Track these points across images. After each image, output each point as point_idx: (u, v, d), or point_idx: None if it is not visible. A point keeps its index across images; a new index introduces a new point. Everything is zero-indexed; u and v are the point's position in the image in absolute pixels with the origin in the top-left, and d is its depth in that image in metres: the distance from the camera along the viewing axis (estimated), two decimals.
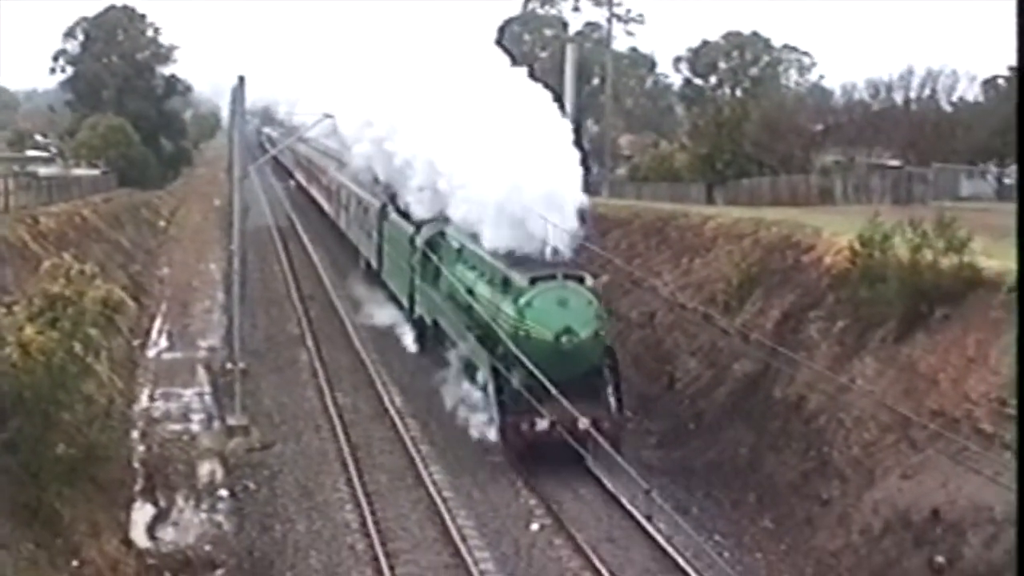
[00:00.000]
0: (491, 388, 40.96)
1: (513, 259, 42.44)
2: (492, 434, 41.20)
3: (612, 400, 40.99)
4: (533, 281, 40.49)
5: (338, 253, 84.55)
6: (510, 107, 45.29)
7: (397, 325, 60.01)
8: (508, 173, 42.24)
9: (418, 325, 56.06)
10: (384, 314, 62.31)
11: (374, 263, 68.54)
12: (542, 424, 38.63)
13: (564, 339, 39.27)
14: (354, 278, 72.53)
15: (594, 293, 41.50)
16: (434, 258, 51.62)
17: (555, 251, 41.41)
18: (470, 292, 45.37)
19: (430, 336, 53.40)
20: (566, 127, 45.54)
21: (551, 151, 43.04)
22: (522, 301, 40.16)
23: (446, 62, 51.79)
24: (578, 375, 39.03)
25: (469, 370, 44.70)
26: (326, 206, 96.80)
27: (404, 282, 58.40)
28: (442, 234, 51.91)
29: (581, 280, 41.21)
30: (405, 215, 58.43)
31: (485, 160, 44.10)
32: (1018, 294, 29.45)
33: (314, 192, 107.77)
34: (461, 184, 46.72)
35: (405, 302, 58.75)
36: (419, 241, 54.46)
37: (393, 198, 62.18)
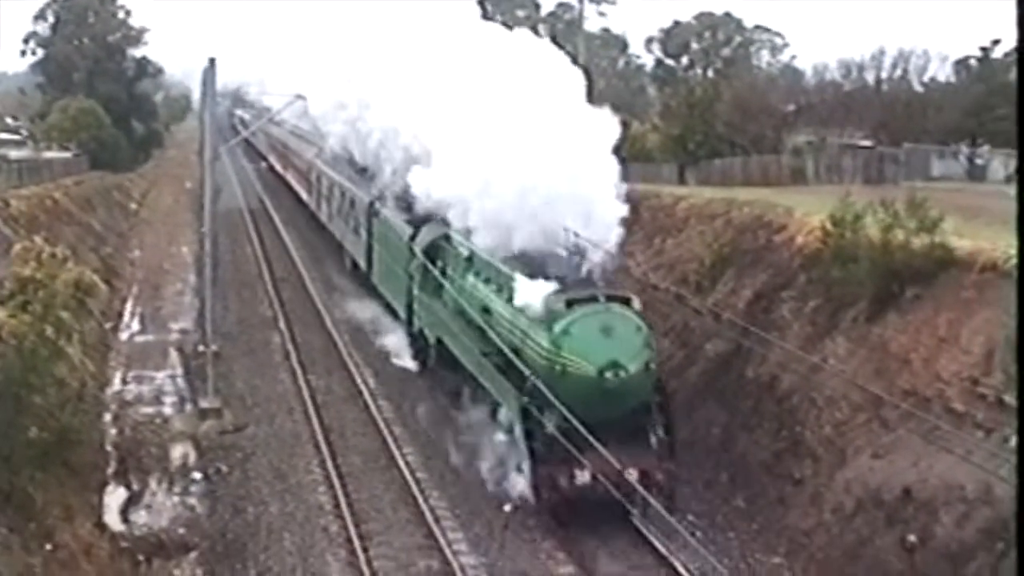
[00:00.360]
0: (519, 432, 33.97)
1: (539, 274, 35.61)
2: (523, 487, 34.68)
3: (657, 443, 34.65)
4: (570, 304, 33.86)
5: (311, 236, 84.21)
6: (512, 80, 39.25)
7: (394, 338, 52.82)
8: (517, 160, 36.08)
9: (418, 341, 48.57)
10: (377, 321, 56.26)
11: (362, 264, 61.89)
12: (583, 476, 32.51)
13: (609, 375, 32.78)
14: (339, 279, 68.80)
15: (641, 318, 34.67)
16: (438, 266, 44.39)
17: (578, 260, 35.72)
18: (485, 310, 38.25)
19: (433, 355, 45.35)
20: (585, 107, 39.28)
21: (572, 131, 36.76)
22: (558, 329, 33.53)
23: (425, 32, 46.98)
24: (623, 415, 33.45)
25: (486, 401, 37.86)
26: (305, 196, 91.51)
27: (400, 290, 50.87)
28: (446, 237, 44.17)
29: (627, 302, 34.73)
30: (400, 212, 51.82)
31: (482, 144, 38.08)
32: (1018, 286, 29.55)
33: (290, 179, 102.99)
34: (448, 173, 40.36)
35: (402, 313, 51.23)
36: (418, 245, 47.02)
37: (384, 192, 54.86)
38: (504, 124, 37.21)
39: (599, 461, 29.79)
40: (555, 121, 36.60)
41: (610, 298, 34.47)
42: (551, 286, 34.80)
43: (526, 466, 34.14)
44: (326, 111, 58.51)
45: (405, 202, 48.52)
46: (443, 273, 43.68)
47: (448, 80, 42.46)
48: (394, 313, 53.70)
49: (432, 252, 45.57)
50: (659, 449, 34.46)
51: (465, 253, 41.56)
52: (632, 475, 31.74)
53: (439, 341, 43.90)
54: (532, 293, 35.12)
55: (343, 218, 68.96)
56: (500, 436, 36.24)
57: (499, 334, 35.99)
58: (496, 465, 36.52)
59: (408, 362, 50.10)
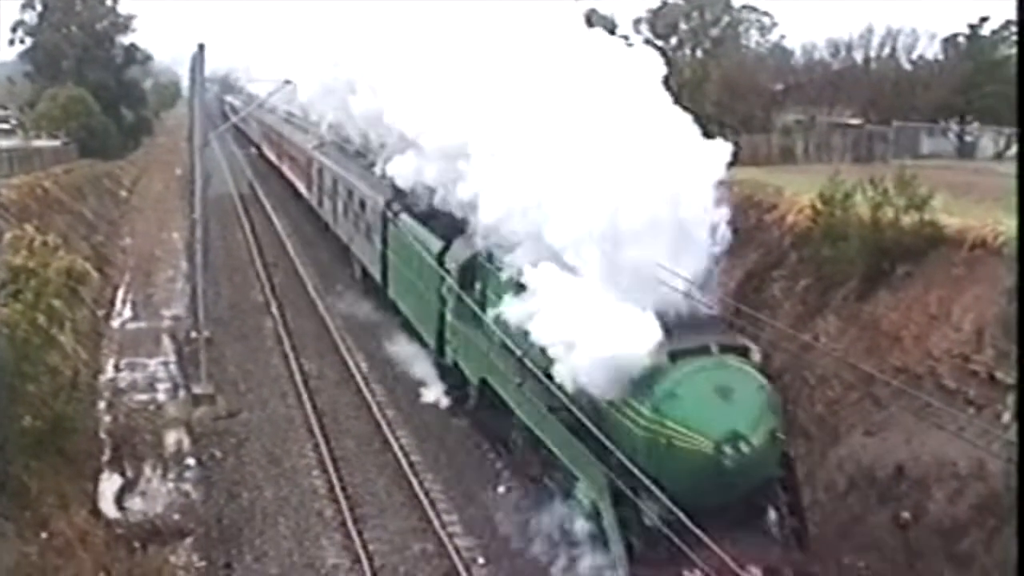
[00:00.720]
0: (610, 521, 26.27)
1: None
2: None
3: (780, 530, 27.35)
4: (674, 357, 26.30)
5: (301, 221, 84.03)
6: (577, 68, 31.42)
7: (416, 362, 46.09)
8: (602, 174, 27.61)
9: (452, 375, 41.16)
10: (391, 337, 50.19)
11: (376, 275, 53.71)
12: None
13: (728, 450, 25.25)
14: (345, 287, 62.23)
15: (763, 372, 27.36)
16: (476, 289, 36.50)
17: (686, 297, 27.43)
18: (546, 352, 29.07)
19: (474, 396, 38.08)
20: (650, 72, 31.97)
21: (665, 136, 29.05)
22: (660, 391, 25.98)
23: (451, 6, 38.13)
24: (740, 498, 26.41)
25: (556, 468, 30.23)
26: (304, 191, 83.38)
27: (427, 313, 43.17)
28: (489, 256, 35.16)
29: (744, 352, 27.36)
30: (423, 218, 43.96)
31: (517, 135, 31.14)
32: (1018, 275, 29.62)
33: (287, 171, 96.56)
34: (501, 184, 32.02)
35: (430, 340, 43.32)
36: (451, 263, 38.89)
37: (401, 192, 45.85)
38: (579, 127, 29.25)
39: (712, 558, 22.60)
40: (644, 123, 29.08)
41: (724, 348, 27.08)
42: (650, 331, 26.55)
43: (621, 567, 26.21)
44: (321, 96, 53.91)
45: (427, 205, 41.67)
46: (484, 298, 35.66)
47: (493, 67, 34.07)
48: (414, 332, 46.66)
49: (469, 272, 37.41)
50: (784, 538, 27.24)
51: (516, 277, 31.72)
52: (754, 575, 25.19)
53: (483, 382, 36.07)
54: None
55: (352, 221, 60.69)
56: (578, 520, 28.53)
57: (572, 388, 28.04)
58: (574, 559, 28.85)
59: (440, 397, 42.89)
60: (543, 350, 29.00)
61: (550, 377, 28.50)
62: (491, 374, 34.86)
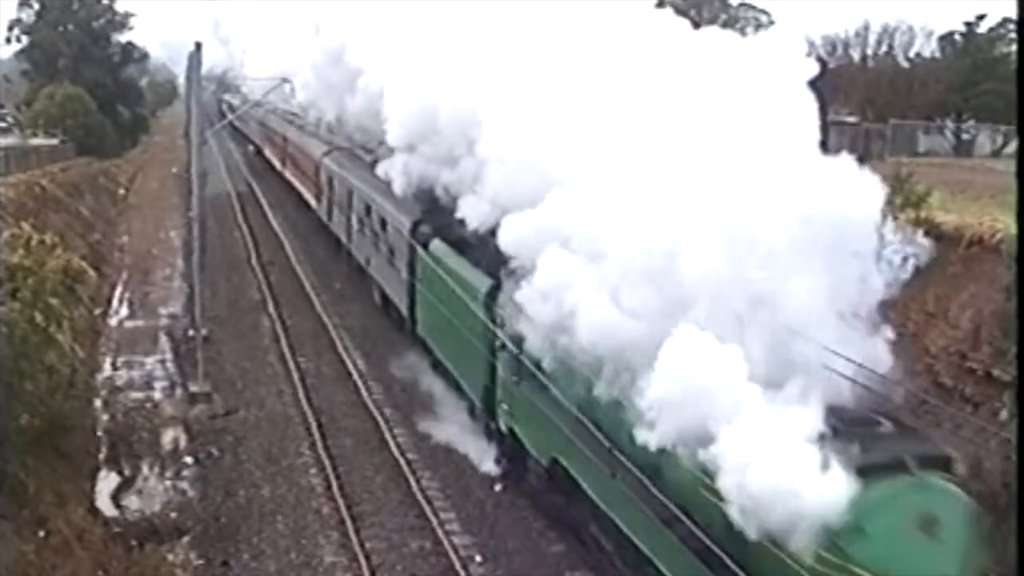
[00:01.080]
0: None
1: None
2: None
3: None
4: (863, 472, 18.39)
5: (298, 218, 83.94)
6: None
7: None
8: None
9: (504, 442, 34.03)
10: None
11: (401, 307, 46.31)
12: None
13: None
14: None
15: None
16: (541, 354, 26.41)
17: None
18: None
19: (541, 474, 30.63)
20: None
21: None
22: (844, 522, 18.25)
23: None
24: None
25: None
26: (312, 201, 75.79)
27: (472, 363, 35.10)
28: None
29: (947, 465, 20.20)
30: (463, 247, 35.96)
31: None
32: (1017, 273, 29.60)
33: (291, 177, 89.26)
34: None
35: (475, 398, 35.99)
36: (506, 309, 30.26)
37: (433, 211, 39.19)
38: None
39: None
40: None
41: (923, 461, 19.57)
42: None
43: None
44: (321, 94, 51.65)
45: (467, 229, 32.30)
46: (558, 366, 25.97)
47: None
48: (450, 376, 39.67)
49: None
50: None
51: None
52: None
53: (555, 462, 28.52)
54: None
55: (370, 240, 53.08)
56: None
57: (695, 499, 21.00)
58: None
59: (490, 466, 36.06)
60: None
61: (659, 476, 21.88)
62: (566, 455, 27.29)
